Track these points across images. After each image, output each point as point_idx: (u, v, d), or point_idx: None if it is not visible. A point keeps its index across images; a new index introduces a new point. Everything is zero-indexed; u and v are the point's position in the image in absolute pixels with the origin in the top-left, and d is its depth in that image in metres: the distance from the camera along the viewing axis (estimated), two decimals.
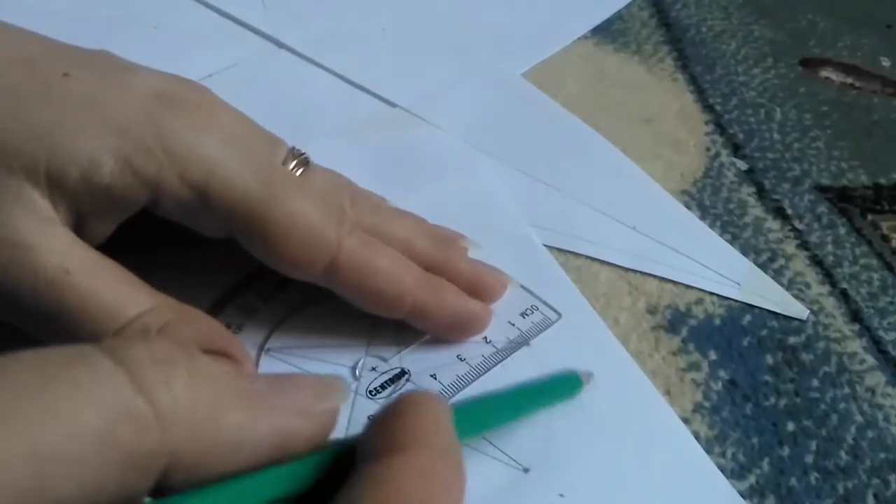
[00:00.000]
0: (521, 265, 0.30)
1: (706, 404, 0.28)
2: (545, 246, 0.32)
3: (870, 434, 0.27)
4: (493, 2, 0.46)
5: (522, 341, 0.28)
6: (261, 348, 0.27)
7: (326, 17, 0.42)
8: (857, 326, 0.31)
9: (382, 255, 0.26)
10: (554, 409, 0.26)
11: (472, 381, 0.26)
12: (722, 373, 0.29)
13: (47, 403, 0.14)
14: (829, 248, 0.34)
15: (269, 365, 0.26)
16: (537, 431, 0.25)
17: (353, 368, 0.26)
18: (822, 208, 0.36)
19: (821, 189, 0.37)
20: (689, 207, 0.35)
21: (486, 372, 0.27)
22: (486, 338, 0.28)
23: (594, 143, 0.37)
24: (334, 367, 0.26)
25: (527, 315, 0.29)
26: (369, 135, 0.36)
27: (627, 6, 0.47)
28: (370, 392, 0.26)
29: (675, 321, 0.30)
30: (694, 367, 0.29)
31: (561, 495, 0.24)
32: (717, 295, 0.31)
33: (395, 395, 0.26)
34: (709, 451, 0.26)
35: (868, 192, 0.37)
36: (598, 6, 0.47)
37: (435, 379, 0.26)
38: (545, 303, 0.29)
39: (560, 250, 0.32)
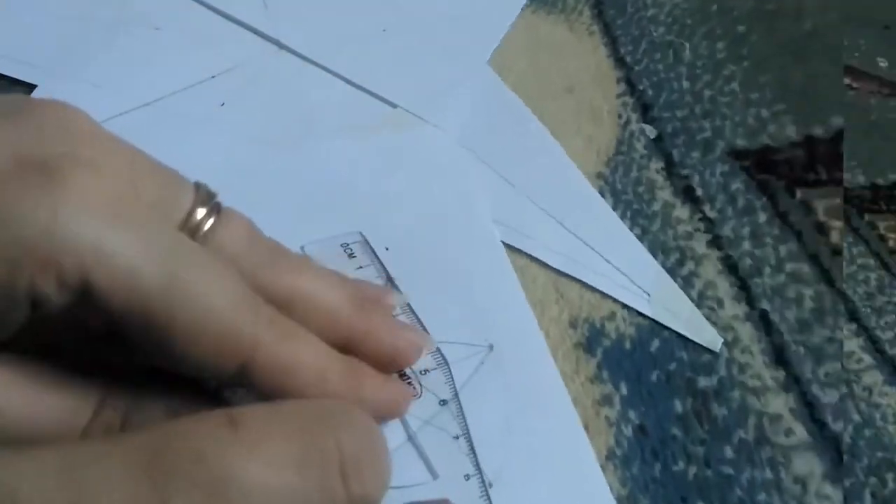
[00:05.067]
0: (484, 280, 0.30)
1: (618, 452, 0.26)
2: (502, 242, 0.32)
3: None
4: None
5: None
6: None
7: (327, 19, 0.42)
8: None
9: (304, 347, 0.22)
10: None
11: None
12: (632, 414, 0.28)
13: None
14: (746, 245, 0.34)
15: None
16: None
17: None
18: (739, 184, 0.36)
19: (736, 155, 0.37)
20: (603, 194, 0.34)
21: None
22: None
23: (531, 126, 0.37)
24: None
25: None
26: (370, 135, 0.36)
27: None
28: None
29: (591, 339, 0.29)
30: (607, 401, 0.28)
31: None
32: (629, 309, 0.31)
33: None
34: None
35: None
36: None
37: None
38: (472, 343, 0.28)
39: (509, 247, 0.32)
